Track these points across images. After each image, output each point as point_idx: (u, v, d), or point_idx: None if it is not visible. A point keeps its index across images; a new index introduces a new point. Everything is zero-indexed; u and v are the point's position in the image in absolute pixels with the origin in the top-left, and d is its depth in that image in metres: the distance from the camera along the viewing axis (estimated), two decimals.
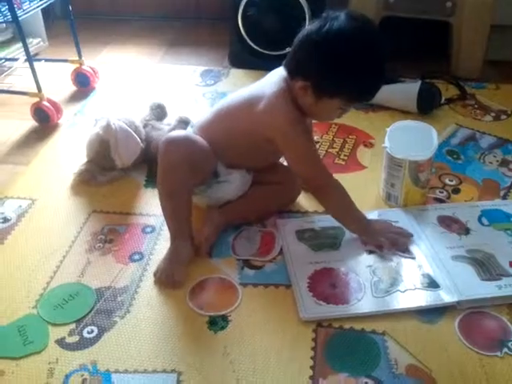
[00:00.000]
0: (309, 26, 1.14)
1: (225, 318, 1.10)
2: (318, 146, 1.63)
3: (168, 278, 1.18)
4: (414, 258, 1.21)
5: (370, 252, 1.24)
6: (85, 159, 1.51)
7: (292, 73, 1.17)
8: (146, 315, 1.12)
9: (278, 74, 1.22)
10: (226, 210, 1.31)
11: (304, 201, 1.40)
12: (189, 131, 1.30)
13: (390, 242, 1.23)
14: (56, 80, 2.03)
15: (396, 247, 1.23)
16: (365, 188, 1.44)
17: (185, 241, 1.22)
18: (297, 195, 1.39)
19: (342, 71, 1.09)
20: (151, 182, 1.49)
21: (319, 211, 1.37)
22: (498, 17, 1.94)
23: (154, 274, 1.20)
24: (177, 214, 1.24)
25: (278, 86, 1.20)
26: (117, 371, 1.00)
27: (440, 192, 1.44)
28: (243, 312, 1.12)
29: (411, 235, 1.26)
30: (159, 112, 1.64)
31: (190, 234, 1.24)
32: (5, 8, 1.67)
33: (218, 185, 1.29)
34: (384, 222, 1.30)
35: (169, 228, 1.25)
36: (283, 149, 1.22)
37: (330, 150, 1.62)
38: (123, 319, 1.11)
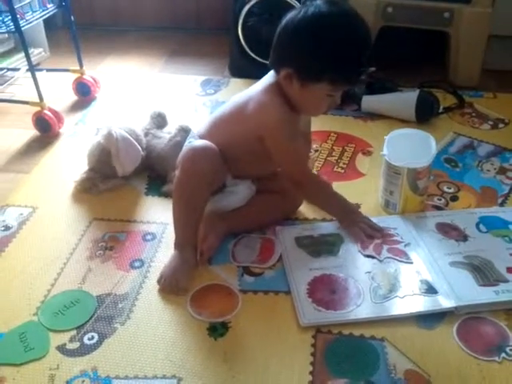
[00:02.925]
0: (284, 19, 1.15)
1: (225, 325, 1.11)
2: (317, 154, 1.64)
3: (173, 285, 1.18)
4: (411, 263, 1.22)
5: (369, 258, 1.24)
6: (86, 167, 1.52)
7: (276, 66, 1.19)
8: (147, 322, 1.12)
9: (268, 75, 1.24)
10: (229, 218, 1.31)
11: (303, 208, 1.41)
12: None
13: (361, 233, 1.29)
14: (57, 89, 2.05)
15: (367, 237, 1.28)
16: (364, 195, 1.45)
17: (190, 248, 1.23)
18: (299, 205, 1.40)
19: (319, 50, 1.10)
20: (152, 189, 1.51)
21: (318, 218, 1.38)
22: (496, 27, 1.96)
23: (158, 281, 1.20)
24: (189, 221, 1.24)
25: (266, 84, 1.21)
26: (117, 377, 1.01)
27: (438, 199, 1.45)
28: (243, 318, 1.12)
29: (381, 230, 1.31)
30: (160, 121, 1.65)
31: (196, 242, 1.25)
32: (8, 18, 1.69)
33: (223, 194, 1.30)
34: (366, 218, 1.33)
35: (177, 234, 1.25)
36: (268, 141, 1.21)
37: (329, 159, 1.63)
38: (124, 326, 1.11)
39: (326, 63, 1.11)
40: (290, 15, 1.15)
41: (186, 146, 1.26)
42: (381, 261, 1.23)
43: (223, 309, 1.14)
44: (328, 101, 1.19)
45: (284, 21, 1.15)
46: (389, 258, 1.24)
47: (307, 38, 1.11)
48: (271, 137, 1.20)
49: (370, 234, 1.28)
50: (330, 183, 1.47)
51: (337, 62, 1.11)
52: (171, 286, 1.18)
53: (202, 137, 1.28)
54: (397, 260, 1.23)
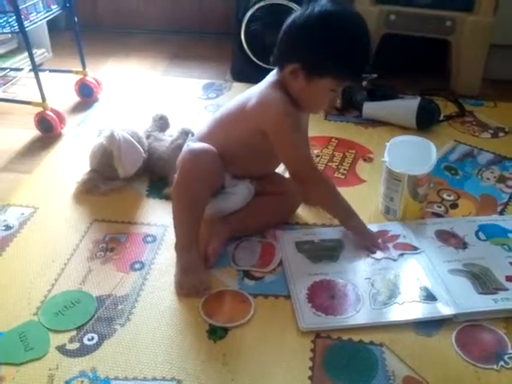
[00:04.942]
0: (290, 17, 1.18)
1: (224, 328, 1.11)
2: (317, 159, 1.64)
3: (198, 288, 1.18)
4: (423, 251, 1.27)
5: (369, 264, 1.25)
6: (88, 168, 1.53)
7: (280, 62, 1.20)
8: (146, 323, 1.12)
9: (268, 76, 1.26)
10: (230, 221, 1.32)
11: (303, 213, 1.42)
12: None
13: (363, 245, 1.29)
14: (60, 90, 2.05)
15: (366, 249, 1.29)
16: (364, 202, 1.45)
17: (195, 249, 1.23)
18: (297, 206, 1.40)
19: (326, 45, 1.12)
20: (153, 192, 1.51)
21: (318, 224, 1.39)
22: (497, 36, 1.97)
23: (179, 292, 1.19)
24: (192, 223, 1.23)
25: (268, 82, 1.23)
26: (116, 378, 1.01)
27: (438, 207, 1.45)
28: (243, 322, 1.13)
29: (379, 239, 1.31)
30: (162, 123, 1.66)
31: (198, 243, 1.25)
32: (12, 19, 1.69)
33: (223, 196, 1.30)
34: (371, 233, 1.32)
35: (179, 237, 1.24)
36: (273, 138, 1.21)
37: (329, 164, 1.63)
38: (123, 327, 1.12)
39: (332, 58, 1.13)
40: (295, 14, 1.18)
41: (184, 148, 1.27)
42: (395, 260, 1.25)
43: (234, 315, 1.14)
44: (330, 96, 1.21)
45: (290, 19, 1.18)
46: (401, 254, 1.26)
47: (314, 33, 1.13)
48: (275, 130, 1.21)
49: (371, 251, 1.28)
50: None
51: (342, 57, 1.13)
52: (196, 289, 1.18)
53: (201, 139, 1.29)
54: (409, 253, 1.26)
